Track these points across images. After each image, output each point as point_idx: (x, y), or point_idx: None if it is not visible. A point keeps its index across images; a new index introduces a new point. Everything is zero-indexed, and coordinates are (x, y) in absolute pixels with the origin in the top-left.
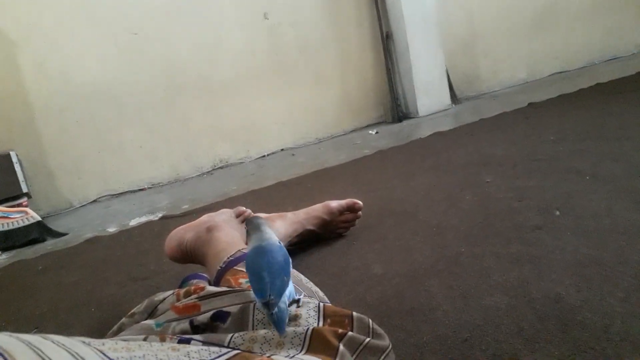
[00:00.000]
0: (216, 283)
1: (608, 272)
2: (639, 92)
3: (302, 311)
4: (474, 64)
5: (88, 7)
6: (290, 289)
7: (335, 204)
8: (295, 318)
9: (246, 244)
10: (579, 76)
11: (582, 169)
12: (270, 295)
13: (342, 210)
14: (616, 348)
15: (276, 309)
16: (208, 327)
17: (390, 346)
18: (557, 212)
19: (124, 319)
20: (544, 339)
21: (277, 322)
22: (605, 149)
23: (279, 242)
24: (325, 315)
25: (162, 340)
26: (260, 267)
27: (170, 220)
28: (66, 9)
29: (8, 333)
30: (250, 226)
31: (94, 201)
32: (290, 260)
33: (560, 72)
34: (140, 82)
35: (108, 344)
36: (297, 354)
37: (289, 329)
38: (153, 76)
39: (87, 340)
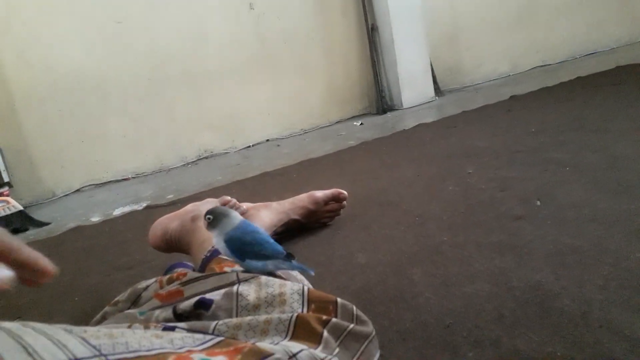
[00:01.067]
0: (201, 272)
1: (587, 260)
2: (618, 86)
3: (286, 292)
4: (458, 57)
5: None
6: None
7: (320, 193)
8: (280, 304)
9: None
10: (560, 70)
11: (563, 160)
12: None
13: (327, 200)
14: (594, 334)
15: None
16: (192, 315)
17: (374, 332)
18: (538, 202)
19: (107, 308)
20: (524, 325)
21: (302, 266)
22: (585, 140)
23: None
24: (310, 300)
25: (147, 328)
26: (260, 233)
27: (154, 210)
28: None
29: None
30: (216, 214)
31: (77, 191)
32: None
33: (542, 66)
34: (124, 71)
35: (90, 331)
36: (282, 341)
37: (274, 316)
38: (137, 65)
39: (68, 327)
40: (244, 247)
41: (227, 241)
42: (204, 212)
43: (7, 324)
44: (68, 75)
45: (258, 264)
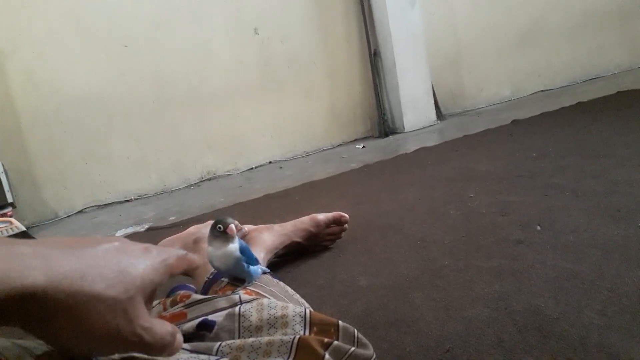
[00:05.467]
0: (204, 294)
1: (586, 285)
2: (619, 111)
3: (289, 314)
4: (459, 81)
5: (78, 18)
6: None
7: (322, 216)
8: (282, 326)
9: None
10: (562, 94)
11: (563, 185)
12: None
13: (329, 223)
14: (593, 359)
15: None
16: (194, 337)
17: (374, 356)
18: (538, 227)
19: None
20: (523, 349)
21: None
22: (586, 165)
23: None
24: (312, 322)
25: None
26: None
27: (156, 232)
28: (56, 19)
29: (4, 338)
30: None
31: (80, 212)
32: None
33: (544, 91)
34: (129, 93)
35: None
36: None
37: (276, 337)
38: (142, 87)
39: None
40: (250, 253)
41: (242, 249)
42: (206, 234)
43: (22, 342)
44: (74, 97)
45: (257, 268)
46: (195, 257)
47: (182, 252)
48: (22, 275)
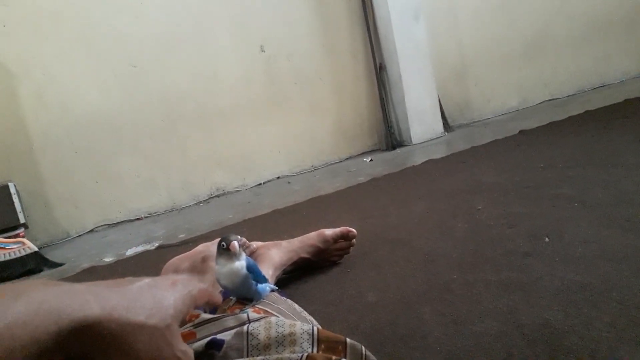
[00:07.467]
0: (212, 313)
1: (595, 297)
2: (627, 120)
3: (297, 332)
4: (466, 92)
5: (87, 40)
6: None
7: (329, 232)
8: (290, 344)
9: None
10: (569, 103)
11: (571, 195)
12: None
13: (337, 239)
14: None
15: None
16: (203, 355)
17: None
18: (547, 239)
19: None
20: None
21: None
22: (594, 175)
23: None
24: (319, 340)
25: None
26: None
27: (166, 250)
28: (66, 42)
29: None
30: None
31: (91, 231)
32: None
33: (551, 100)
34: (138, 112)
35: None
36: None
37: (284, 356)
38: (151, 106)
39: None
40: (258, 271)
41: (249, 266)
42: (214, 252)
43: None
44: (84, 116)
45: (265, 286)
46: (216, 295)
47: (203, 285)
48: (83, 307)
